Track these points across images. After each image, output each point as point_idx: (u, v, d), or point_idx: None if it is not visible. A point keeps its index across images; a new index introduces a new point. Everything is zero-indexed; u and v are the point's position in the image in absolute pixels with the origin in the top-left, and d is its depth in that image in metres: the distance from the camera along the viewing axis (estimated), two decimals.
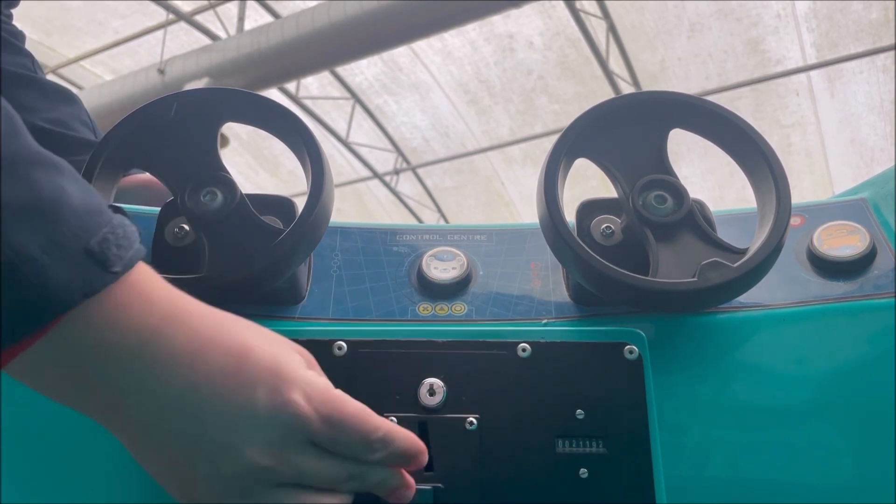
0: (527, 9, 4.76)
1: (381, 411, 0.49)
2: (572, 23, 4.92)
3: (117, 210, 0.41)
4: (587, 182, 4.58)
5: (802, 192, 5.48)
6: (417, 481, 0.47)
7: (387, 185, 6.94)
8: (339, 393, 0.42)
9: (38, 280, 0.31)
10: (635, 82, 5.26)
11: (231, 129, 5.60)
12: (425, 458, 0.45)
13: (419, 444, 0.44)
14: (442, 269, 0.59)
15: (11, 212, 0.31)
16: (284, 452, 0.38)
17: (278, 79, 5.08)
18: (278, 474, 0.39)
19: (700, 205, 0.59)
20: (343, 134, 6.38)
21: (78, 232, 0.33)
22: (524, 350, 0.52)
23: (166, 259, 0.59)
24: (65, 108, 0.78)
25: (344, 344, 0.52)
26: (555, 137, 0.56)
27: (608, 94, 5.14)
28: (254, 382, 0.38)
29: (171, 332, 0.37)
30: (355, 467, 0.41)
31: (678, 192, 0.55)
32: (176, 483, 0.39)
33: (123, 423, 0.38)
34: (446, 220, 6.86)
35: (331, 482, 0.41)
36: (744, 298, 0.54)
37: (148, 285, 0.38)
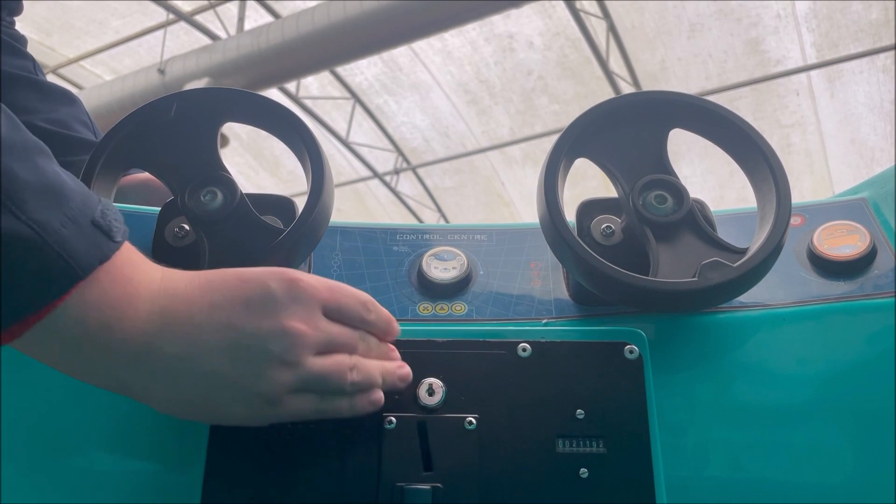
0: (527, 9, 4.75)
1: (380, 411, 0.50)
2: (572, 23, 4.92)
3: None
4: (587, 182, 4.58)
5: (802, 192, 5.47)
6: (416, 481, 0.47)
7: (387, 184, 6.94)
8: None
9: (62, 249, 0.36)
10: (635, 82, 5.26)
11: (231, 129, 5.60)
12: (397, 327, 0.51)
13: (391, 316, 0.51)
14: (442, 268, 0.59)
15: (32, 192, 0.35)
16: (312, 318, 0.44)
17: (278, 79, 5.07)
18: (313, 339, 0.44)
19: (700, 204, 0.59)
20: (343, 134, 6.38)
21: (83, 208, 0.37)
22: (524, 350, 0.52)
23: (166, 259, 0.59)
24: (65, 109, 0.79)
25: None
26: (555, 137, 0.57)
27: (608, 94, 5.13)
28: (263, 281, 0.44)
29: (176, 276, 0.43)
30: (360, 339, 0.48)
31: (678, 191, 0.55)
32: (209, 408, 0.43)
33: (148, 374, 0.40)
34: (446, 220, 6.86)
35: (349, 347, 0.47)
36: (744, 298, 0.54)
37: (138, 254, 0.42)
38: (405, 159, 6.67)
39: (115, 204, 0.57)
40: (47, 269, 0.35)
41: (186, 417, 0.44)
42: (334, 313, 0.47)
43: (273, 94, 5.54)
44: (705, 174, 5.55)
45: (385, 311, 0.50)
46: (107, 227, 0.38)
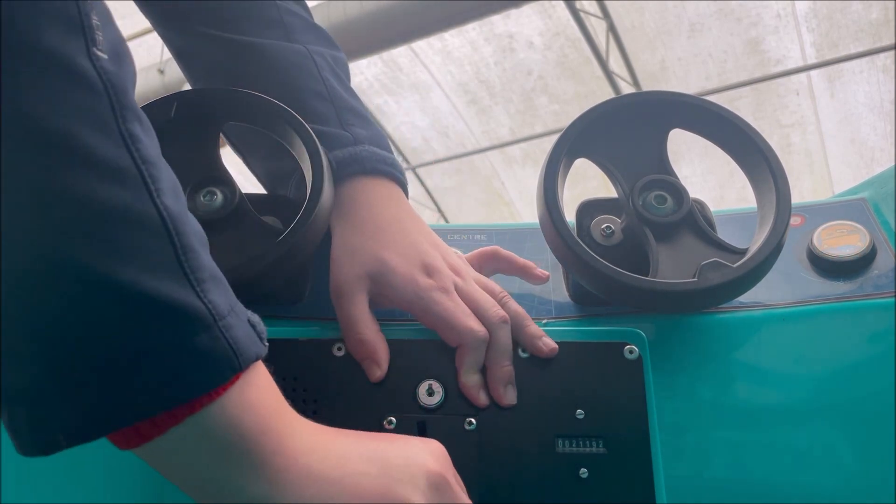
0: (527, 9, 4.75)
1: (380, 411, 0.50)
2: (572, 23, 4.92)
3: None
4: (587, 182, 4.58)
5: (802, 192, 5.47)
6: None
7: None
8: None
9: (228, 335, 0.34)
10: (635, 82, 5.25)
11: None
12: None
13: None
14: None
15: (209, 274, 0.34)
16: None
17: None
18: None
19: (700, 205, 0.59)
20: None
21: (237, 303, 0.36)
22: (524, 350, 0.52)
23: None
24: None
25: (343, 344, 0.52)
26: (555, 137, 0.57)
27: (608, 94, 5.13)
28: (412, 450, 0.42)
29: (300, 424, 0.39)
30: None
31: (678, 192, 0.55)
32: None
33: (288, 495, 0.36)
34: (446, 220, 6.86)
35: None
36: (744, 298, 0.54)
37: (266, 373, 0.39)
38: (405, 159, 6.67)
39: None
40: (211, 351, 0.33)
41: None
42: None
43: None
44: (705, 174, 5.54)
45: None
46: (259, 326, 0.37)
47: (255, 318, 0.38)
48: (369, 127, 0.61)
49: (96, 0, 0.32)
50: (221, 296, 0.35)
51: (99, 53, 0.31)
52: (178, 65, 0.66)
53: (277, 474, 0.36)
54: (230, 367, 0.34)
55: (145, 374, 0.31)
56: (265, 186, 0.68)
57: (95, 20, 0.31)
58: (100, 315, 0.30)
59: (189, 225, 0.34)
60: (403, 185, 0.60)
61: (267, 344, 0.37)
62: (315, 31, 0.64)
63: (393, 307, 0.54)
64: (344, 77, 0.64)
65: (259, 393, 0.36)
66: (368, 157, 0.58)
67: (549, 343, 0.52)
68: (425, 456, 0.42)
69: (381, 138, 0.61)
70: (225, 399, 0.34)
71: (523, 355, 0.52)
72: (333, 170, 0.57)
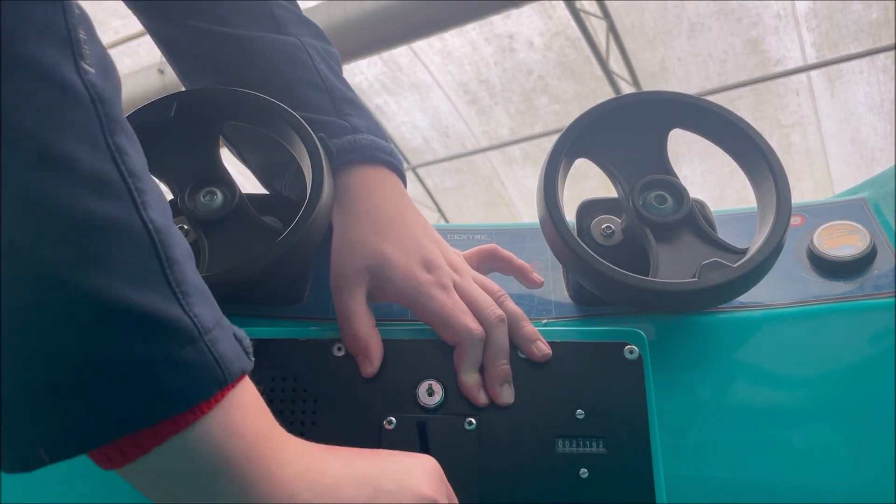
0: (527, 9, 4.75)
1: (380, 411, 0.50)
2: (572, 23, 4.92)
3: None
4: (587, 182, 4.57)
5: (802, 192, 5.47)
6: None
7: None
8: None
9: (213, 348, 0.33)
10: (635, 82, 5.25)
11: None
12: None
13: None
14: None
15: (194, 288, 0.34)
16: None
17: None
18: None
19: (700, 205, 0.59)
20: None
21: (223, 318, 0.36)
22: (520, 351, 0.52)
23: None
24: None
25: (343, 344, 0.52)
26: (555, 137, 0.57)
27: (608, 94, 5.13)
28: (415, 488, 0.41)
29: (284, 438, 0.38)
30: None
31: (678, 192, 0.55)
32: None
33: None
34: (446, 220, 6.86)
35: None
36: (744, 298, 0.54)
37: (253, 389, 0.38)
38: (405, 159, 6.67)
39: None
40: (196, 365, 0.32)
41: None
42: None
43: None
44: (705, 174, 5.54)
45: None
46: (245, 342, 0.36)
47: (241, 332, 0.37)
48: (366, 117, 0.61)
49: (82, 16, 0.32)
50: (207, 309, 0.34)
51: (86, 67, 0.31)
52: (168, 61, 0.65)
53: (262, 502, 0.35)
54: (215, 381, 0.33)
55: (129, 388, 0.31)
56: (260, 179, 0.68)
57: (83, 35, 0.31)
58: (83, 327, 0.30)
59: (174, 237, 0.34)
60: (402, 176, 0.60)
61: (253, 360, 0.37)
62: (306, 25, 0.64)
63: (391, 301, 0.54)
64: (337, 69, 0.64)
65: (245, 413, 0.35)
66: (368, 145, 0.58)
67: (542, 348, 0.52)
68: (418, 478, 0.41)
69: (378, 128, 0.60)
70: (210, 418, 0.33)
71: (522, 355, 0.52)
72: (333, 157, 0.56)
